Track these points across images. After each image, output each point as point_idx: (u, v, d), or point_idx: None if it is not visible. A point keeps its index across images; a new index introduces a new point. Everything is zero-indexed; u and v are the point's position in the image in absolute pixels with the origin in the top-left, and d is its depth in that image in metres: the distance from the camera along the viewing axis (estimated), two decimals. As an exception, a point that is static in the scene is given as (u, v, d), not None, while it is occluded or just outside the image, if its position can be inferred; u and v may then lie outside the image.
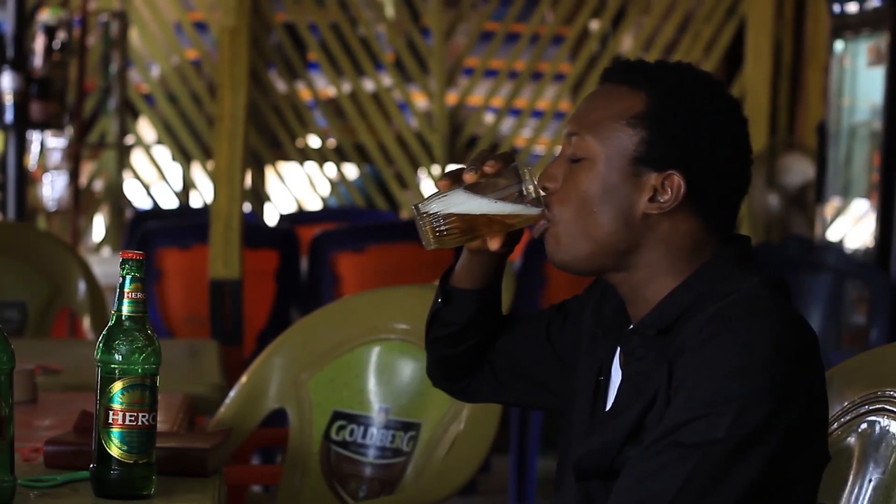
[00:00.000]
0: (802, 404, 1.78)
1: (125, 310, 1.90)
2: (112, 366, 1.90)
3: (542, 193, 1.90)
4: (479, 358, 2.14)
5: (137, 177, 7.03)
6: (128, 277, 1.90)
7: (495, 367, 2.14)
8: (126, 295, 1.90)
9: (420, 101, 7.05)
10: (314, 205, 7.18)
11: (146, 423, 1.91)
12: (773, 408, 1.74)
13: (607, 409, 1.93)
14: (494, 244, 1.95)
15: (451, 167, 6.81)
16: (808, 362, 1.80)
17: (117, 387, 1.90)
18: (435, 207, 1.90)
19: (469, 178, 1.91)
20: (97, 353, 1.91)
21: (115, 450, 1.90)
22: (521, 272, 5.05)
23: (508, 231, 1.94)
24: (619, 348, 1.95)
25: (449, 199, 1.90)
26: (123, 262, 1.90)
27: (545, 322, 2.12)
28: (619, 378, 1.93)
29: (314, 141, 6.84)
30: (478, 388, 2.18)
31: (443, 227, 1.91)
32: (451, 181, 1.93)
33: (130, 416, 1.90)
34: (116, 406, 1.90)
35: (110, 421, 1.90)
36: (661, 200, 1.87)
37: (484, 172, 1.90)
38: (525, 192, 1.89)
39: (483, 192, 1.90)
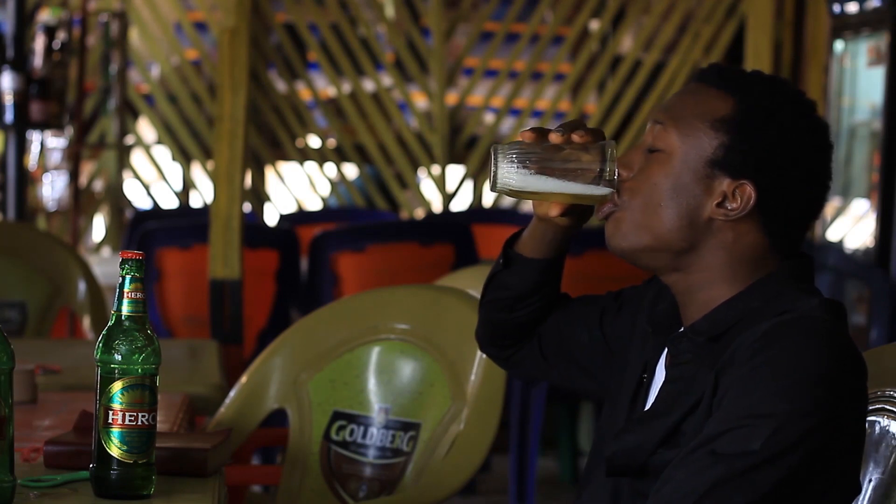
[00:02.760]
0: (842, 431, 1.77)
1: (125, 310, 1.90)
2: (112, 366, 1.90)
3: (617, 178, 1.91)
4: (530, 330, 2.15)
5: (137, 177, 7.04)
6: (127, 277, 1.90)
7: (543, 342, 2.15)
8: (126, 295, 1.90)
9: (420, 101, 7.05)
10: (314, 205, 7.18)
11: (146, 423, 1.91)
12: (813, 429, 1.73)
13: (647, 408, 1.93)
14: (555, 210, 1.97)
15: (451, 168, 6.82)
16: (854, 390, 1.80)
17: (117, 387, 1.90)
18: (510, 166, 1.90)
19: (555, 138, 1.91)
20: (97, 353, 1.91)
21: (115, 450, 1.90)
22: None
23: (574, 203, 1.96)
24: (665, 349, 1.95)
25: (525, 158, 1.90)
26: (123, 262, 1.90)
27: (600, 308, 2.13)
28: (662, 379, 1.93)
29: (314, 141, 6.84)
30: (522, 359, 2.19)
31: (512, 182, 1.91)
32: (538, 136, 1.93)
33: (130, 416, 1.90)
34: (116, 406, 1.90)
35: (110, 421, 1.90)
36: (729, 208, 1.87)
37: (570, 139, 1.90)
38: (604, 173, 1.90)
39: (563, 164, 1.90)
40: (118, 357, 1.90)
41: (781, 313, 1.82)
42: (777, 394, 1.74)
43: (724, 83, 1.91)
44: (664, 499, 1.75)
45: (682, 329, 1.93)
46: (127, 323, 1.90)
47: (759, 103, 1.89)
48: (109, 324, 1.91)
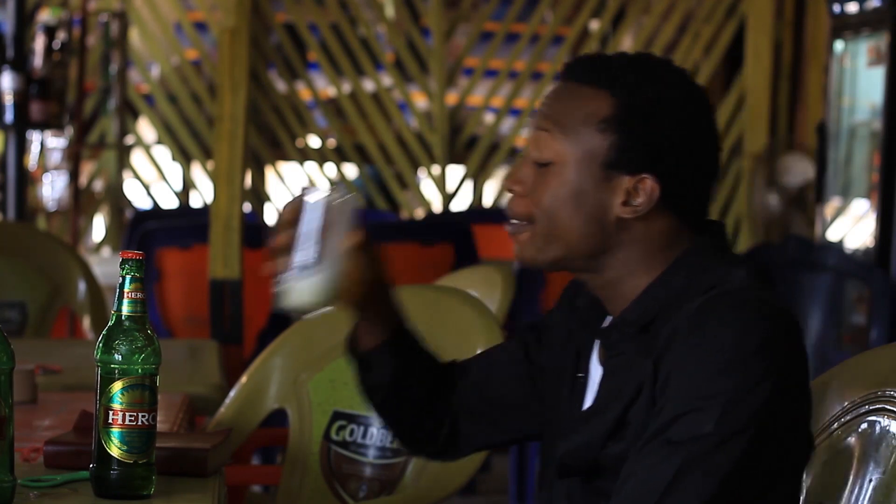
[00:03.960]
0: (789, 396, 1.77)
1: (125, 310, 1.90)
2: (112, 366, 1.90)
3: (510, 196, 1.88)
4: (440, 409, 2.08)
5: (137, 177, 7.03)
6: (128, 277, 1.90)
7: (472, 411, 2.08)
8: (126, 295, 1.90)
9: (420, 101, 7.05)
10: (314, 205, 7.16)
11: (146, 423, 1.91)
12: (761, 400, 1.73)
13: (589, 405, 1.91)
14: (348, 296, 1.92)
15: (451, 167, 6.82)
16: (794, 354, 1.79)
17: (117, 387, 1.90)
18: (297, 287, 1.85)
19: (282, 239, 1.87)
20: (97, 353, 1.91)
21: (114, 450, 1.90)
22: (521, 274, 5.05)
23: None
24: (596, 344, 1.93)
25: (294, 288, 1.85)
26: (123, 262, 1.90)
27: (521, 344, 2.08)
28: (600, 374, 1.91)
29: (314, 141, 6.84)
30: (457, 441, 2.11)
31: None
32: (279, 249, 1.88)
33: (130, 416, 1.90)
34: (116, 406, 1.89)
35: (110, 421, 1.90)
36: (635, 204, 1.85)
37: (282, 244, 1.87)
38: (315, 225, 1.85)
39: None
40: (118, 357, 1.90)
41: (708, 290, 1.80)
42: (720, 372, 1.73)
43: (598, 79, 1.87)
44: (629, 497, 1.74)
45: (610, 320, 1.91)
46: (127, 323, 1.90)
47: (637, 93, 1.85)
48: (109, 324, 1.91)
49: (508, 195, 1.91)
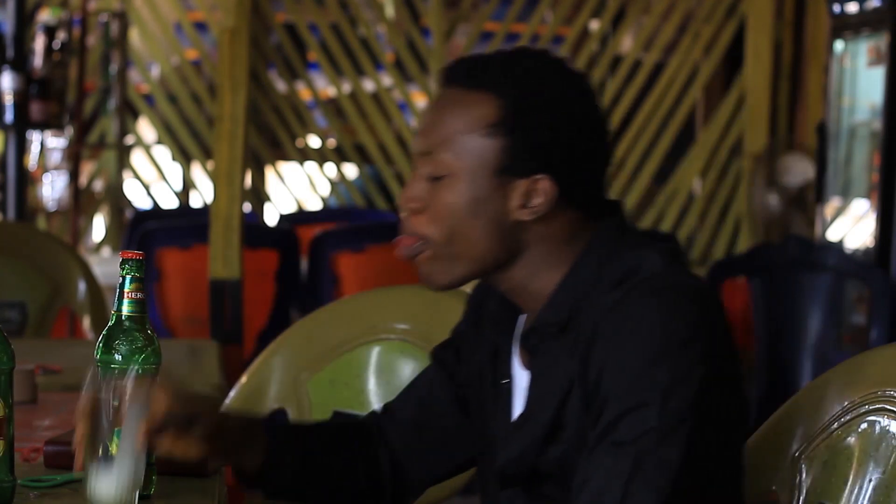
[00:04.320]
0: (723, 373, 1.76)
1: (125, 310, 1.90)
2: (112, 366, 1.90)
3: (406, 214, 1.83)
4: (368, 464, 2.03)
5: (137, 177, 7.03)
6: (128, 277, 1.90)
7: (414, 450, 2.04)
8: (126, 295, 1.90)
9: (420, 101, 7.05)
10: (314, 205, 7.18)
11: (146, 423, 1.91)
12: (698, 384, 1.71)
13: (520, 411, 1.87)
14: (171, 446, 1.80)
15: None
16: (720, 331, 1.77)
17: (117, 387, 1.89)
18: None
19: (82, 429, 1.78)
20: (97, 353, 1.91)
21: (115, 450, 1.90)
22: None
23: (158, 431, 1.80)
24: (516, 347, 1.90)
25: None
26: (123, 262, 1.90)
27: (442, 367, 2.04)
28: (526, 379, 1.87)
29: (314, 141, 6.84)
30: (406, 484, 2.06)
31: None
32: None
33: (130, 416, 1.89)
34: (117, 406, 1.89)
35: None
36: (533, 206, 1.81)
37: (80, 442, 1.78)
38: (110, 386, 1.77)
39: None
40: (118, 357, 1.90)
41: (622, 279, 1.78)
42: (652, 364, 1.71)
43: (479, 82, 1.82)
44: None
45: (528, 324, 1.87)
46: (127, 323, 1.90)
47: (521, 93, 1.81)
48: (110, 324, 1.91)
49: (403, 214, 1.86)
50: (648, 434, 1.70)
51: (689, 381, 1.71)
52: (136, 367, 1.89)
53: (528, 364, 1.88)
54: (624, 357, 1.73)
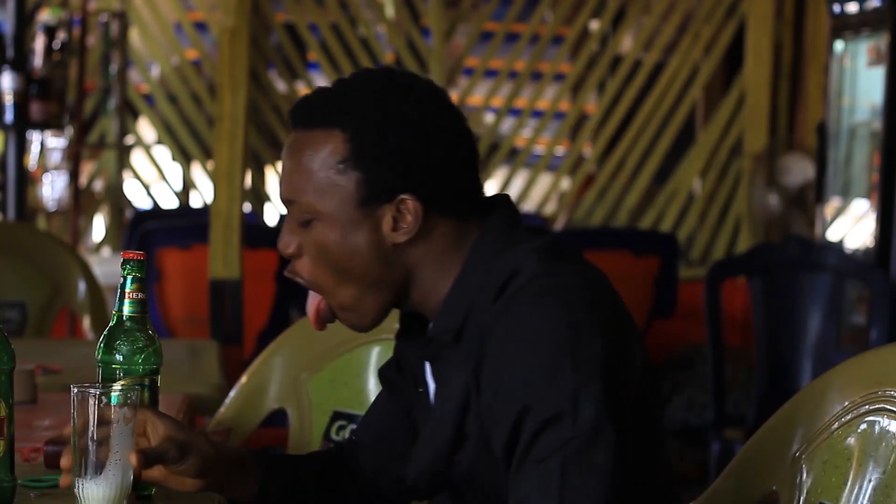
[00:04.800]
0: (621, 363, 1.76)
1: (126, 310, 1.90)
2: (113, 366, 1.90)
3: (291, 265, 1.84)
4: (340, 496, 2.03)
5: (137, 177, 7.03)
6: (129, 278, 1.90)
7: (390, 474, 2.03)
8: (127, 295, 1.90)
9: (420, 101, 7.04)
10: (314, 205, 7.16)
11: (146, 423, 1.91)
12: (600, 383, 1.71)
13: (428, 422, 1.89)
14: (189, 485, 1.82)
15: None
16: (606, 318, 1.76)
17: (118, 387, 1.89)
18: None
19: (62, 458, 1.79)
20: (98, 354, 1.91)
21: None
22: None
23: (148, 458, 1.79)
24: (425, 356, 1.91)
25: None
26: (124, 263, 1.90)
27: (390, 386, 2.04)
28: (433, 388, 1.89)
29: (314, 141, 6.83)
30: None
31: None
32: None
33: (131, 416, 1.89)
34: (117, 406, 1.89)
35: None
36: (405, 226, 1.82)
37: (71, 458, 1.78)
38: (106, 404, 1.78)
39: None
40: (119, 357, 1.90)
41: (503, 286, 1.77)
42: (552, 374, 1.70)
43: (322, 120, 1.83)
44: None
45: (426, 335, 1.88)
46: (128, 323, 1.90)
47: (365, 121, 1.80)
48: (111, 324, 1.91)
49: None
50: (569, 443, 1.70)
51: (591, 380, 1.71)
52: (137, 367, 1.89)
53: (433, 373, 1.90)
54: (522, 372, 1.72)
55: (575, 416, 1.70)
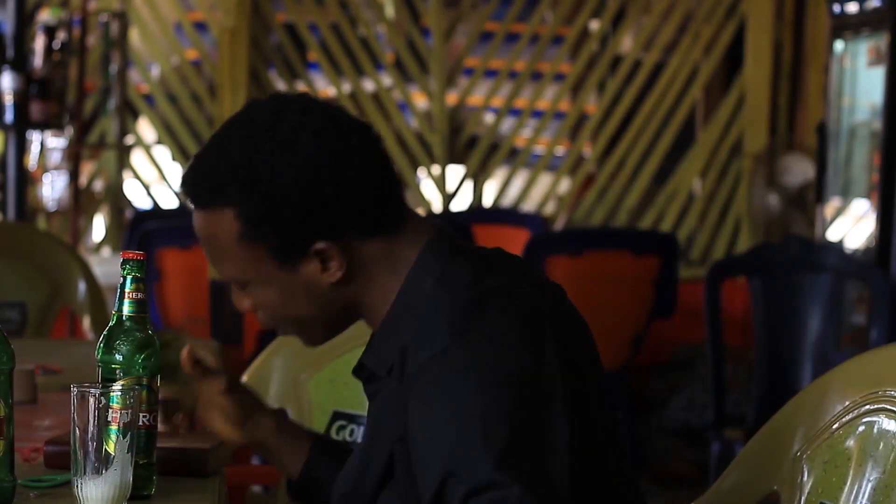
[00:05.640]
0: (543, 376, 1.72)
1: (126, 310, 1.90)
2: (113, 366, 1.90)
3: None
4: None
5: (137, 177, 7.03)
6: (129, 278, 1.90)
7: None
8: (127, 295, 1.90)
9: (420, 101, 7.05)
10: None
11: (147, 423, 1.91)
12: (534, 417, 1.67)
13: (358, 444, 1.91)
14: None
15: (451, 167, 6.82)
16: (533, 337, 1.73)
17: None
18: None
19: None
20: (98, 354, 1.91)
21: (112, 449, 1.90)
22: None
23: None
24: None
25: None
26: (124, 263, 1.90)
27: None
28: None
29: (314, 141, 6.83)
30: None
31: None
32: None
33: (131, 416, 1.89)
34: (117, 406, 1.89)
35: (111, 420, 1.89)
36: (334, 268, 1.81)
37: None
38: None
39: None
40: (119, 357, 1.90)
41: (422, 326, 1.74)
42: (477, 431, 1.64)
43: (207, 200, 1.82)
44: None
45: (361, 359, 1.89)
46: (128, 323, 1.90)
47: (250, 192, 1.78)
48: (110, 324, 1.91)
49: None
50: (512, 487, 1.62)
51: (525, 428, 1.66)
52: (137, 367, 1.89)
53: (369, 400, 1.90)
54: (448, 434, 1.67)
55: (502, 457, 1.63)
